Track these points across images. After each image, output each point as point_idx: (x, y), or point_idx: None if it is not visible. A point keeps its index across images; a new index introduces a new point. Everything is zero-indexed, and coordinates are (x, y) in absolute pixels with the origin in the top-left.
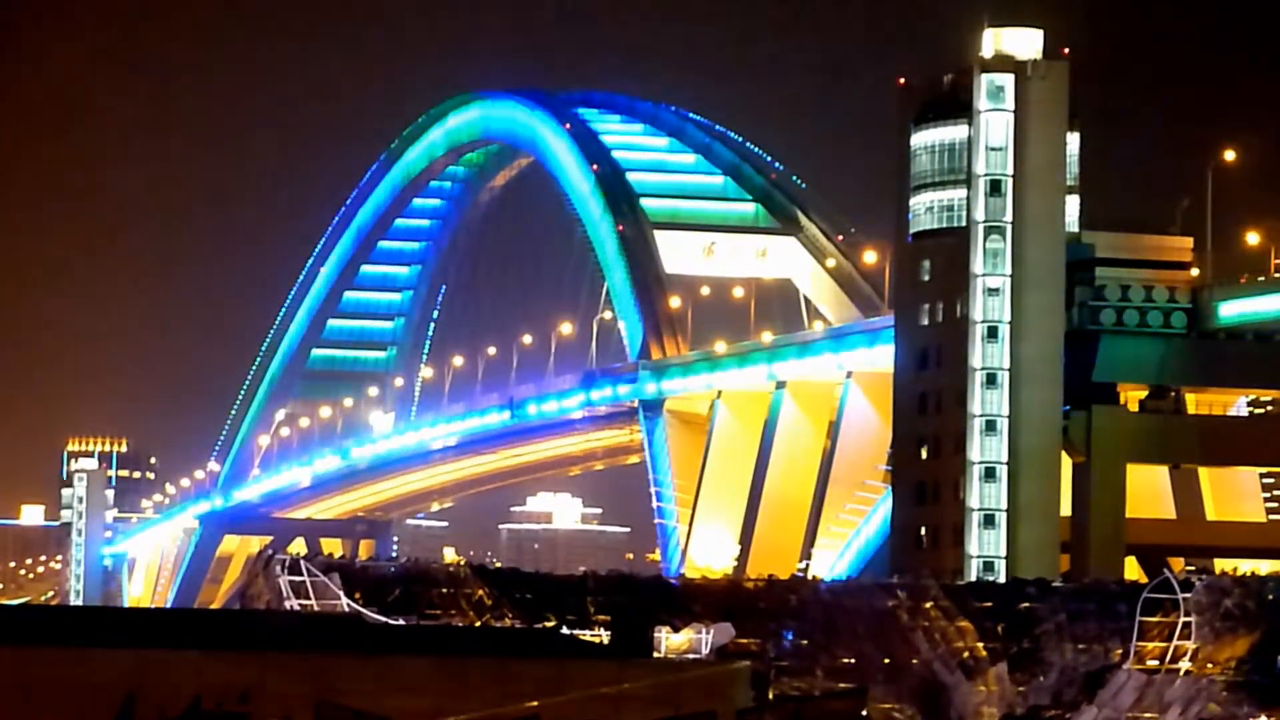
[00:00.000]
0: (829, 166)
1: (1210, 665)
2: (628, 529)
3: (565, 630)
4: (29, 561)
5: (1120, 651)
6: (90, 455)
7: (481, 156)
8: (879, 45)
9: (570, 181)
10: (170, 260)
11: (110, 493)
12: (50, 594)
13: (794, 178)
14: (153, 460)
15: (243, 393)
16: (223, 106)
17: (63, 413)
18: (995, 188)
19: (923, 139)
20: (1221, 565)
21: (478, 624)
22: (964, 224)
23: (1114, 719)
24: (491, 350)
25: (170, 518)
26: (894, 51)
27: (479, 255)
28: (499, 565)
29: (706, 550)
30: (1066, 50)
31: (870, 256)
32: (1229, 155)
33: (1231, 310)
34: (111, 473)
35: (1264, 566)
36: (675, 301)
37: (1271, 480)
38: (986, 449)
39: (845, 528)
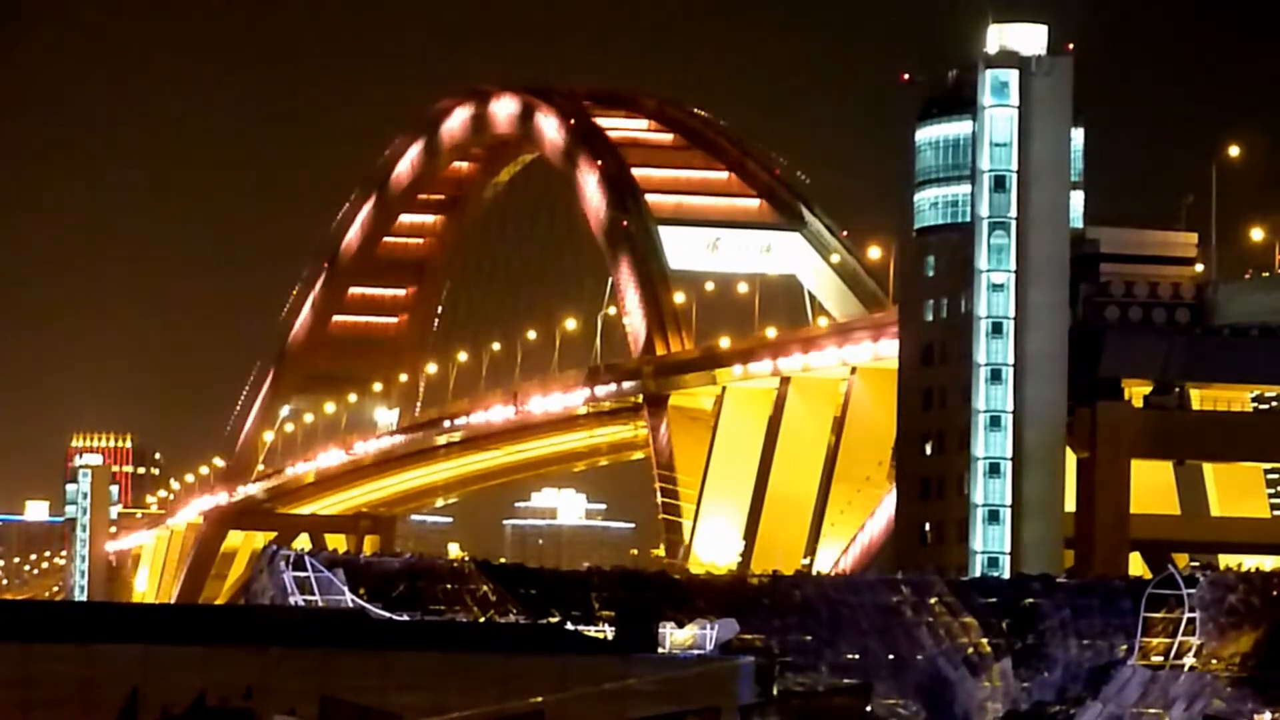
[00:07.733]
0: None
1: (1215, 661)
2: (632, 525)
3: (569, 626)
4: (33, 557)
5: (1125, 647)
6: (95, 451)
7: (486, 152)
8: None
9: (574, 177)
10: (176, 256)
11: (115, 488)
12: (55, 590)
13: (798, 173)
14: (157, 456)
15: (247, 388)
16: (225, 102)
17: (67, 408)
18: (1000, 183)
19: (927, 134)
20: (1226, 561)
21: (482, 620)
22: (968, 219)
23: (1118, 715)
24: (496, 346)
25: (175, 513)
26: (898, 47)
27: (483, 251)
28: (503, 561)
29: (711, 546)
30: (1071, 46)
31: (875, 252)
32: (1233, 151)
33: (1236, 306)
34: (116, 468)
35: (1268, 562)
36: (679, 297)
37: (1276, 476)
38: (991, 444)
39: (850, 524)
